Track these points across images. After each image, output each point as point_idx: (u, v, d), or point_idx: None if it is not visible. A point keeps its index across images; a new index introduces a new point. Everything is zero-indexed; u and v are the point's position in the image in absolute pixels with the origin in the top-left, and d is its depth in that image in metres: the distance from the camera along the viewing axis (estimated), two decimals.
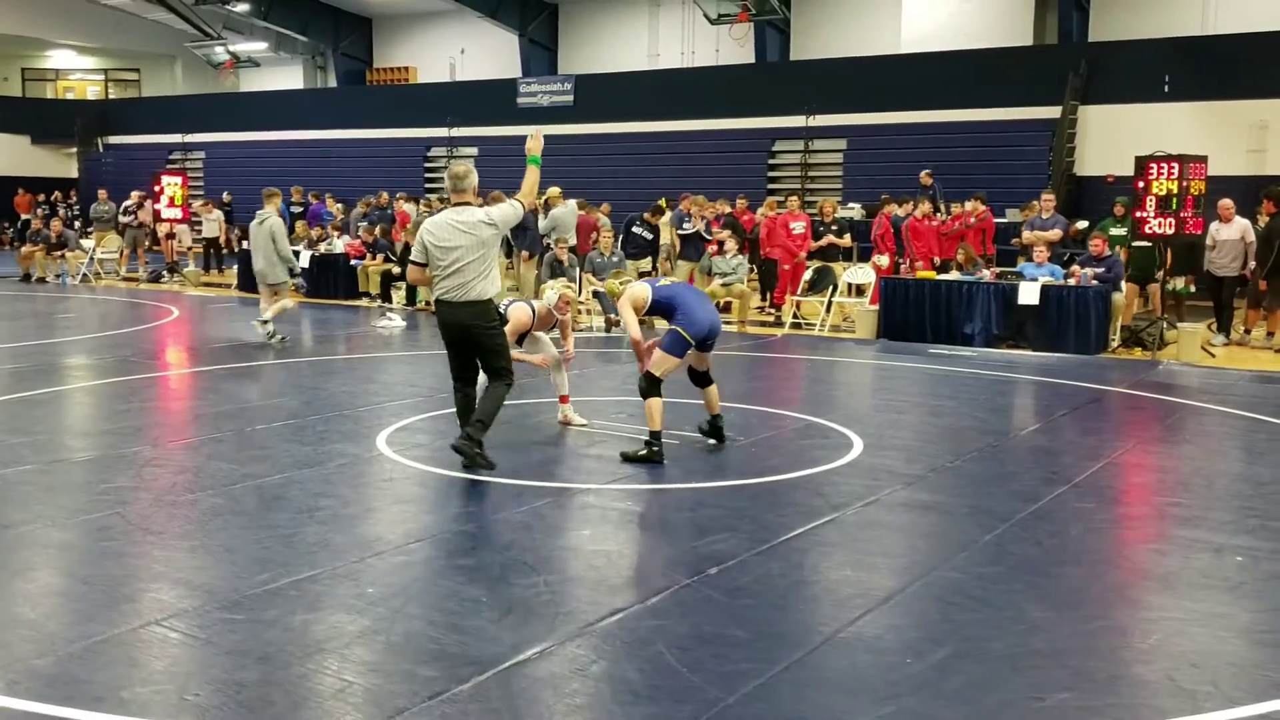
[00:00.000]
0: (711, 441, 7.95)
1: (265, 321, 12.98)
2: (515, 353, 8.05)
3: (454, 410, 7.41)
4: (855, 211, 20.56)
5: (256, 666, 4.15)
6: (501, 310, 8.36)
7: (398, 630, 4.52)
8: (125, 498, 6.44)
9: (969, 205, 16.64)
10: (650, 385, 7.48)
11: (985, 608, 4.87)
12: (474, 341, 7.11)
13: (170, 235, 22.58)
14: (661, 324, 8.09)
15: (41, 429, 8.40)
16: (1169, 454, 8.30)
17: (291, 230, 21.46)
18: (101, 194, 24.00)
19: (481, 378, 7.37)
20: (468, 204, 7.10)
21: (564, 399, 8.61)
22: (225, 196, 24.84)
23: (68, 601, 4.89)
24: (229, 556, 5.42)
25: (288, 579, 5.08)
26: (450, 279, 6.99)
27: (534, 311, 8.42)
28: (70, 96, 39.14)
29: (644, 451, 7.44)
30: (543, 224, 16.54)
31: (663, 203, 17.42)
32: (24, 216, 30.97)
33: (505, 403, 7.23)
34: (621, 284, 8.12)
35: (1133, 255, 14.44)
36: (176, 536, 5.78)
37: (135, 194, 23.33)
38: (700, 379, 7.89)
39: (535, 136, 7.25)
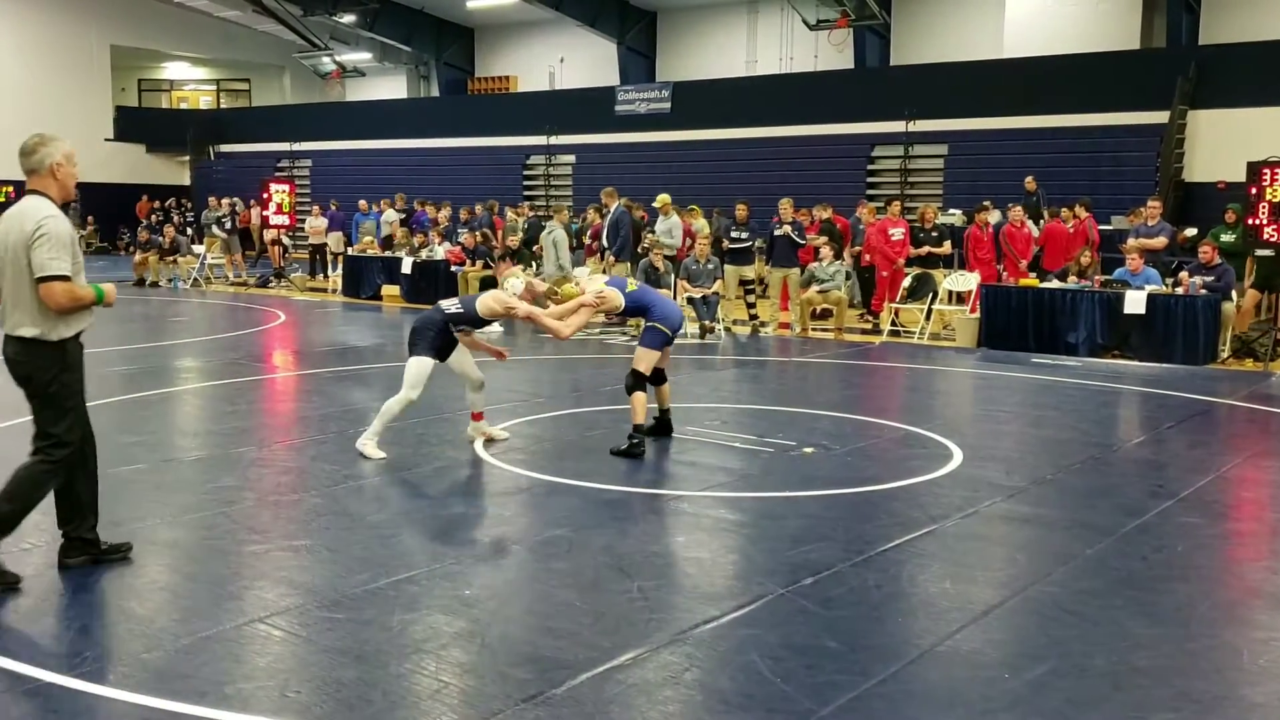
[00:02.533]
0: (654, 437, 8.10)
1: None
2: (475, 334, 7.82)
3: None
4: (956, 218, 20.28)
5: (355, 665, 4.23)
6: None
7: (493, 632, 4.58)
8: (232, 497, 6.62)
9: (1077, 210, 16.30)
10: (636, 382, 7.87)
11: (1086, 623, 4.77)
12: (24, 388, 5.12)
13: (276, 241, 23.13)
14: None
15: (152, 429, 8.67)
16: None
17: (391, 236, 21.93)
18: (212, 201, 24.69)
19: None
20: (39, 194, 5.03)
21: (477, 416, 8.11)
22: (333, 204, 25.28)
23: (175, 598, 5.04)
24: (330, 556, 5.54)
25: (386, 579, 5.17)
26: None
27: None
28: (184, 106, 40.46)
29: (625, 446, 7.74)
30: (660, 227, 16.66)
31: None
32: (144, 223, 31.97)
33: None
34: (577, 285, 8.18)
35: (1257, 263, 14.01)
36: (280, 536, 5.92)
37: (225, 202, 23.98)
38: (658, 377, 8.12)
39: None
